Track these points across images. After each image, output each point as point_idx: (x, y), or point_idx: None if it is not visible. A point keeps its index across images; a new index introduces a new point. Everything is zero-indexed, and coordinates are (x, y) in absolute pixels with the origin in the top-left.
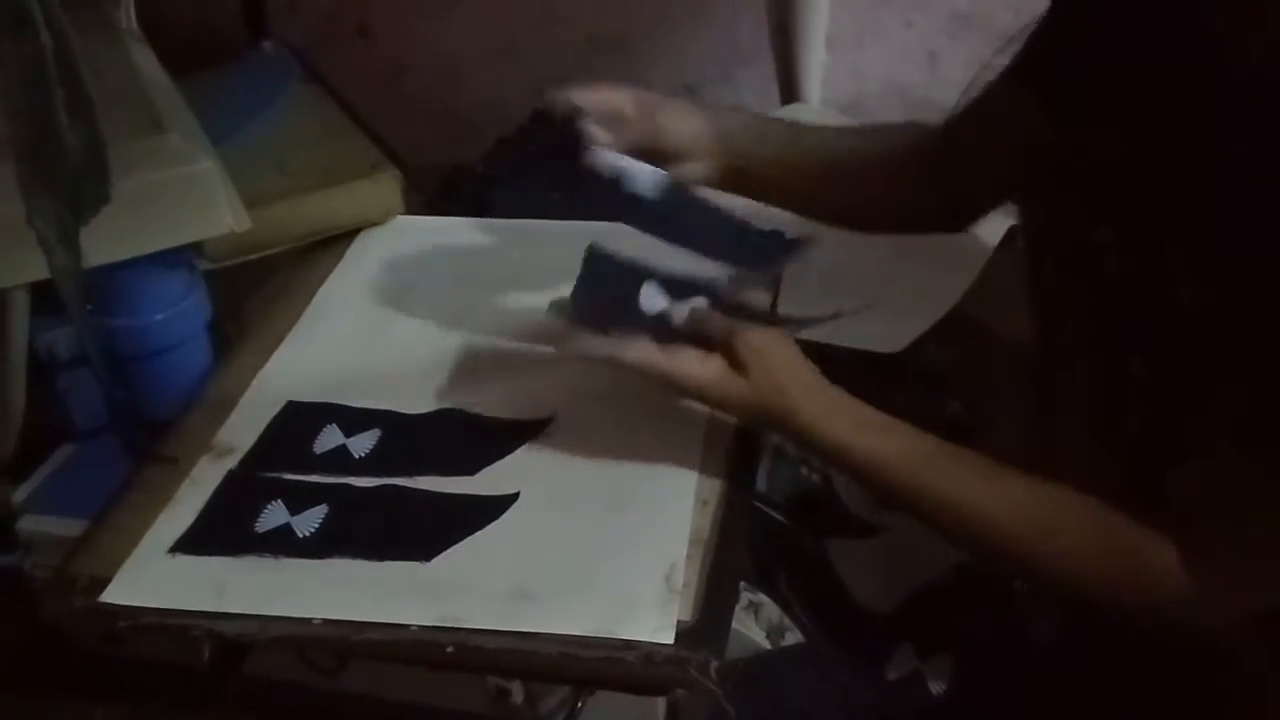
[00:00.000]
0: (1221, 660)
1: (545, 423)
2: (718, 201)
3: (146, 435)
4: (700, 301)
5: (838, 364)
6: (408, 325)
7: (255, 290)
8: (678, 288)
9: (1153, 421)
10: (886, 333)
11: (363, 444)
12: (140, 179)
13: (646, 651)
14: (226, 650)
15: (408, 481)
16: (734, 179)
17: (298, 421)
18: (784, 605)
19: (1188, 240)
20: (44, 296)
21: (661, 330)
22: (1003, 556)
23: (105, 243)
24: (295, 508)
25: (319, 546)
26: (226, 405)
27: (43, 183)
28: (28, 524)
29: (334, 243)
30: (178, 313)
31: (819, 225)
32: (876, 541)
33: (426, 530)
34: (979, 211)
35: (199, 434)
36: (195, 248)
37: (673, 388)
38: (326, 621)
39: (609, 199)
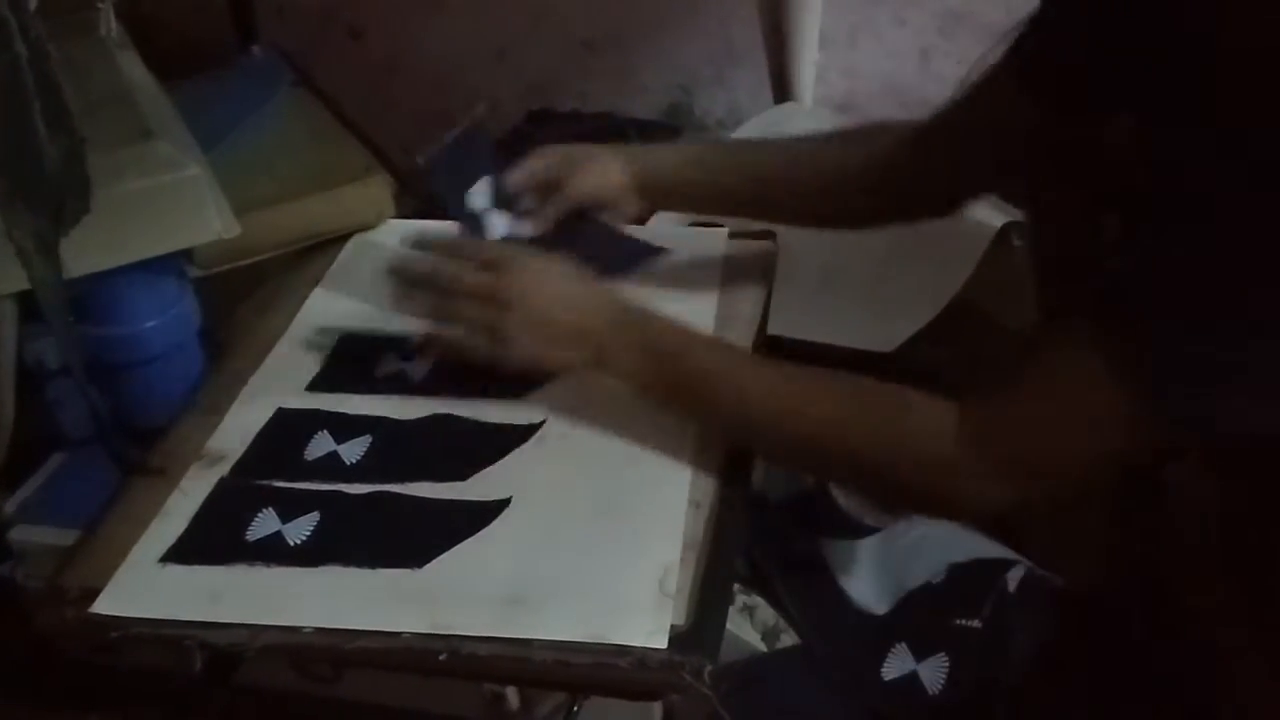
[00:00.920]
0: (1218, 661)
1: (536, 427)
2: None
3: (137, 444)
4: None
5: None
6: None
7: (247, 296)
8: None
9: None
10: (880, 331)
11: (354, 450)
12: (127, 186)
13: (639, 657)
14: (219, 659)
15: (400, 488)
16: (675, 204)
17: (288, 428)
18: (779, 607)
19: (1188, 227)
20: (33, 305)
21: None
22: (760, 437)
23: (93, 250)
24: (287, 515)
25: (311, 554)
26: (217, 413)
27: (20, 194)
28: (19, 534)
29: (326, 248)
30: (168, 320)
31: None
32: (872, 542)
33: (419, 537)
34: (958, 202)
35: (189, 442)
36: (185, 254)
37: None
38: (318, 630)
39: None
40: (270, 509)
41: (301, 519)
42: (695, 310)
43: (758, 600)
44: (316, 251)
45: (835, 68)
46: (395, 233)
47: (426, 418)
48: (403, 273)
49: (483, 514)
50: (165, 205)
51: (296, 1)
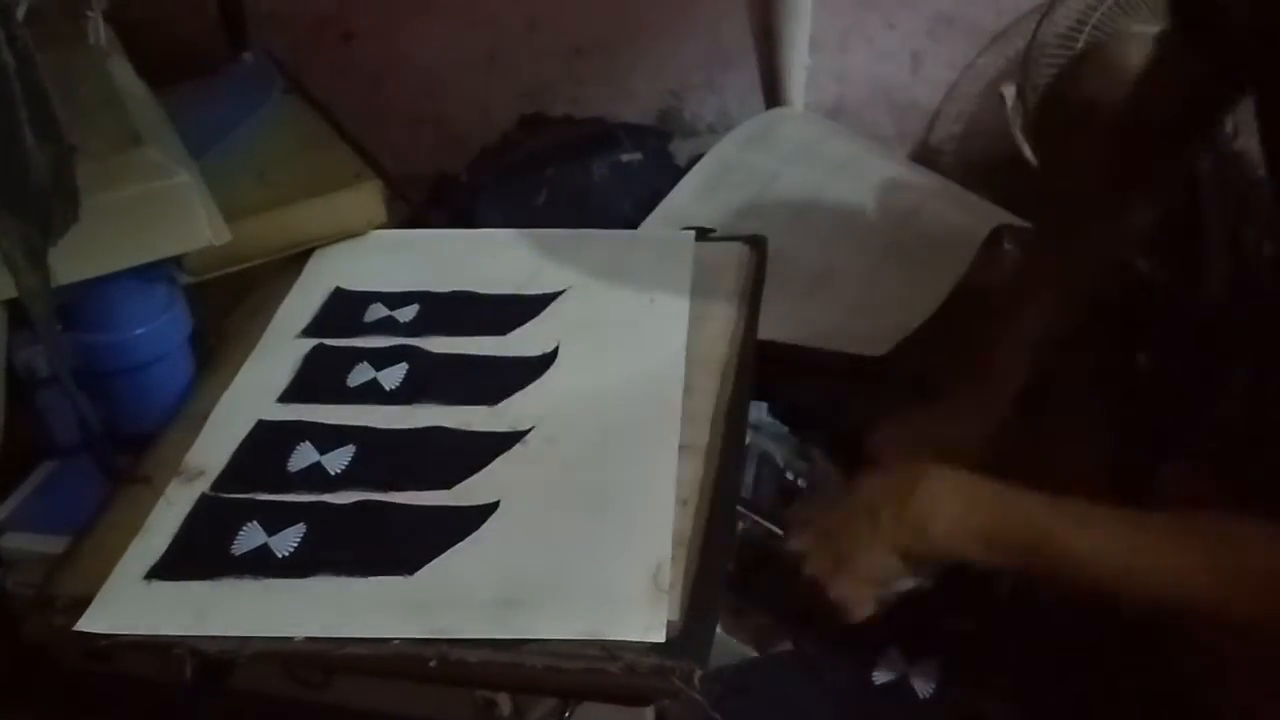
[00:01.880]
0: (1218, 663)
1: (522, 434)
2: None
3: (127, 451)
4: None
5: (821, 367)
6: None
7: (238, 303)
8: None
9: (1151, 411)
10: (870, 335)
11: (338, 461)
12: (118, 193)
13: (629, 662)
14: (209, 666)
15: (385, 496)
16: None
17: (269, 441)
18: (770, 610)
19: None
20: (23, 312)
21: None
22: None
23: (83, 257)
24: (272, 528)
25: (299, 566)
26: (196, 425)
27: (8, 203)
28: (9, 542)
29: None
30: (158, 327)
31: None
32: None
33: (408, 544)
34: None
35: (170, 454)
36: (176, 261)
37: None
38: (308, 637)
39: None
40: (255, 522)
41: (288, 531)
42: (666, 314)
43: (749, 604)
44: (308, 258)
45: (826, 72)
46: (365, 242)
47: (410, 427)
48: None
49: (471, 518)
50: (155, 212)
51: (288, 7)
